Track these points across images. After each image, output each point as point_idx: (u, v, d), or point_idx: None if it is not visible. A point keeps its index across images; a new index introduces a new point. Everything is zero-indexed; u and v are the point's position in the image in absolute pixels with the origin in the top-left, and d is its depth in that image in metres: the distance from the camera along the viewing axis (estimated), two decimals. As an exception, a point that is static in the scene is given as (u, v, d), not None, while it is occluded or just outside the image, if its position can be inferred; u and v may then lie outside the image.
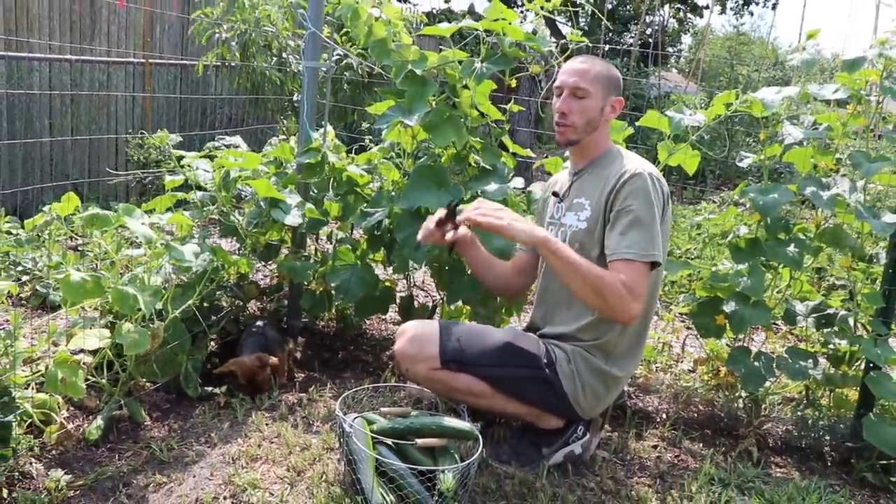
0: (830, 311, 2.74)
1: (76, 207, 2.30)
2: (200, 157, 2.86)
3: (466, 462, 1.97)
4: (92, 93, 5.83)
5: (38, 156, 5.63)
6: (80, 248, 4.01)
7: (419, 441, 2.04)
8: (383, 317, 3.65)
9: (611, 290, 2.10)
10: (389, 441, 2.06)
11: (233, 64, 4.82)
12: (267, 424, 2.47)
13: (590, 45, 3.06)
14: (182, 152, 2.84)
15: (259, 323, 3.00)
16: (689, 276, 4.07)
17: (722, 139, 7.75)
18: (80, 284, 2.09)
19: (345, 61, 4.79)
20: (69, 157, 5.88)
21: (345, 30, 3.52)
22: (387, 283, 3.18)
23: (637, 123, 2.96)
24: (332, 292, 3.07)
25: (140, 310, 2.19)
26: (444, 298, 3.12)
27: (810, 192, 2.54)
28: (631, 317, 2.15)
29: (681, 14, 22.42)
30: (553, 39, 2.87)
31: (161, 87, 6.52)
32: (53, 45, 5.54)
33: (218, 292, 3.09)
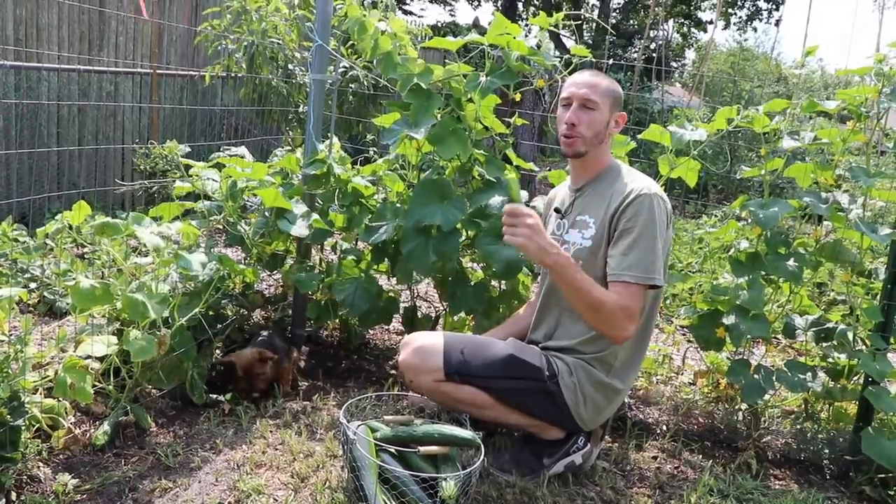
0: (830, 325, 2.76)
1: (86, 216, 2.34)
2: (209, 167, 2.90)
3: (468, 470, 2.00)
4: (98, 103, 5.88)
5: (45, 164, 5.68)
6: (86, 256, 4.04)
7: (421, 449, 2.07)
8: (386, 326, 3.68)
9: (609, 314, 2.18)
10: (392, 448, 2.09)
11: (239, 75, 4.87)
12: (271, 431, 2.50)
13: (594, 59, 3.10)
14: (190, 161, 2.89)
15: (264, 332, 3.03)
16: (690, 290, 4.10)
17: (724, 154, 7.79)
18: (90, 291, 2.13)
19: (350, 73, 4.84)
20: (76, 166, 5.93)
21: (350, 42, 3.55)
22: (390, 294, 3.21)
23: (639, 137, 2.99)
24: (338, 303, 3.11)
25: (148, 317, 2.22)
26: (447, 309, 3.15)
27: (810, 202, 2.58)
28: (624, 338, 2.24)
29: (685, 29, 22.53)
30: (557, 53, 2.91)
31: (168, 97, 6.57)
32: (62, 55, 5.60)
33: (223, 301, 3.12)
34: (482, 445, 2.12)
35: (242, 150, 3.69)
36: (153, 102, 6.28)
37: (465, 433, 2.12)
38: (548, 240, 2.16)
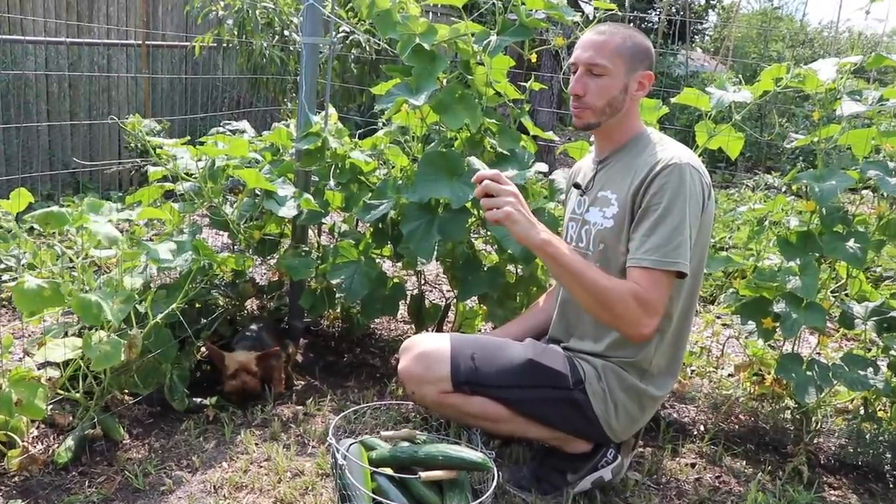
0: (894, 313, 2.41)
1: (29, 203, 2.02)
2: (180, 145, 2.58)
3: (479, 500, 1.69)
4: (88, 73, 5.56)
5: (35, 144, 5.39)
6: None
7: (423, 475, 1.75)
8: (392, 317, 3.36)
9: (620, 305, 1.81)
10: (390, 471, 1.78)
11: (232, 43, 4.53)
12: (256, 444, 2.20)
13: (619, 13, 2.74)
14: (161, 140, 2.56)
15: (253, 326, 2.74)
16: (725, 270, 3.75)
17: (754, 120, 7.37)
18: (36, 292, 1.82)
19: (351, 38, 4.48)
20: (68, 145, 5.64)
21: (350, 4, 3.21)
22: (395, 281, 2.90)
23: (673, 101, 2.63)
24: (335, 290, 2.80)
25: (105, 320, 1.91)
26: (458, 297, 2.84)
27: (875, 176, 2.21)
28: (642, 335, 1.86)
29: (707, -11, 21.79)
30: (573, 12, 2.56)
31: (165, 70, 6.25)
32: (49, 26, 5.28)
33: (212, 291, 2.83)
34: (495, 468, 1.80)
35: (244, 123, 3.39)
36: (144, 75, 5.96)
37: (475, 456, 1.80)
38: (531, 219, 1.84)
